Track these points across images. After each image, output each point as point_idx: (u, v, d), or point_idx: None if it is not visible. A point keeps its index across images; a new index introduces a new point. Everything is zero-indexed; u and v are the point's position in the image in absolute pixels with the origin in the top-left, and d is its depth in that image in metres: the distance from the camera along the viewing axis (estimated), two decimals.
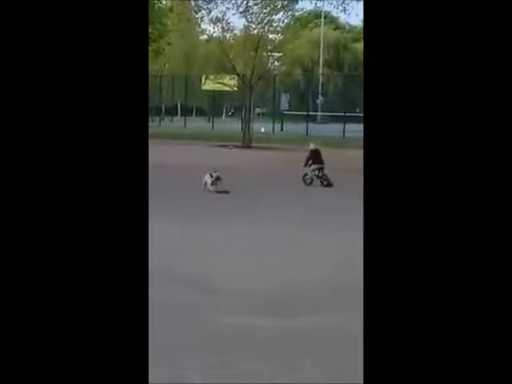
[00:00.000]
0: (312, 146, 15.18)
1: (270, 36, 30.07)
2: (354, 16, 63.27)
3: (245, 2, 28.54)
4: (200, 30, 32.42)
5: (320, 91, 47.41)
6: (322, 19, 52.31)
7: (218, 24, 29.50)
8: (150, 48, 24.59)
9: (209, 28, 30.87)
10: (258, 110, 41.95)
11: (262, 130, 34.26)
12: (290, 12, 29.86)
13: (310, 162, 14.70)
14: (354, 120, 35.21)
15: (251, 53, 28.99)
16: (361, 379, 2.73)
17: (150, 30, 23.95)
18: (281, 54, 33.06)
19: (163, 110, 45.48)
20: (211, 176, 13.58)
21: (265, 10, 28.89)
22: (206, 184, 13.55)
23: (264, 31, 29.28)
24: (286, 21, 29.63)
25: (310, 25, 51.00)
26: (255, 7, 28.94)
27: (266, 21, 28.93)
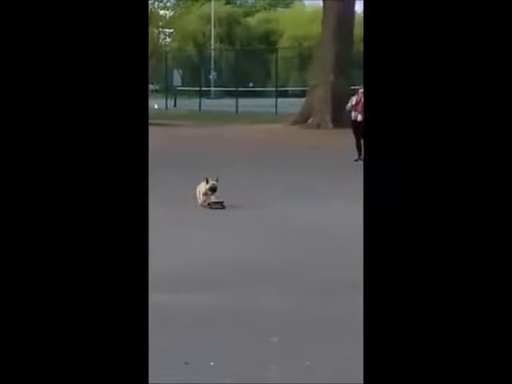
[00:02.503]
0: None
1: (161, 12, 29.95)
2: None
3: None
4: None
5: (212, 66, 47.49)
6: None
7: None
8: None
9: None
10: (151, 87, 41.63)
11: (155, 106, 34.11)
12: None
13: None
14: (247, 95, 35.54)
15: None
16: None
17: None
18: (172, 30, 32.96)
19: None
20: (206, 182, 9.42)
21: None
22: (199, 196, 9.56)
23: (154, 7, 29.12)
24: None
25: (201, 0, 50.75)
26: None
27: None
